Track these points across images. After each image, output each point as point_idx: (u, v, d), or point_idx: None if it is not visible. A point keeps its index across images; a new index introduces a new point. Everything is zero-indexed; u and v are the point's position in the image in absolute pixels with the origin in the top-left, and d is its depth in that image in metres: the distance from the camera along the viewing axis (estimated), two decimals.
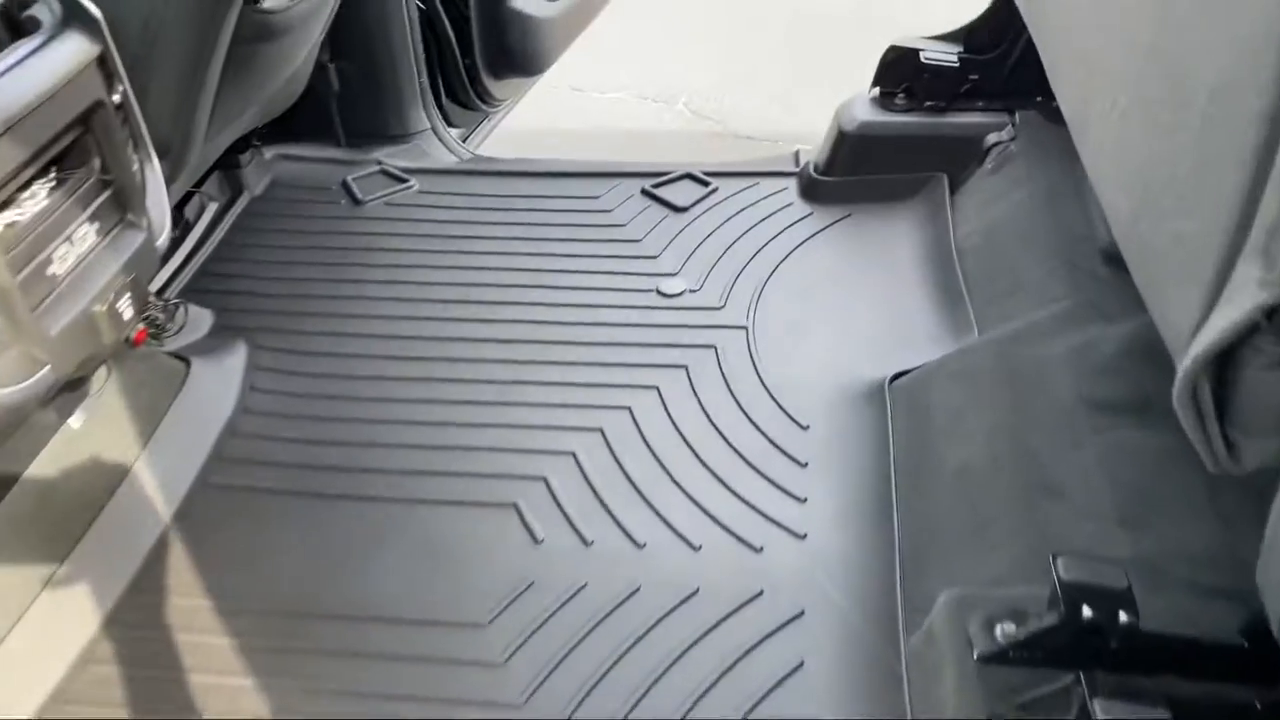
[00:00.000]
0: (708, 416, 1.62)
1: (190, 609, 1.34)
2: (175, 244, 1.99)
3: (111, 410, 1.54)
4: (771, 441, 1.57)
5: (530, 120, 3.28)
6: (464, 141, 2.56)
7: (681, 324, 1.81)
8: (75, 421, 1.48)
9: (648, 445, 1.58)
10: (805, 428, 1.59)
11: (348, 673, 1.27)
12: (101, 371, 1.56)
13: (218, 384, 1.68)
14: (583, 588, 1.37)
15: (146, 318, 1.66)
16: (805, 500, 1.47)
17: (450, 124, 2.52)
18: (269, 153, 2.30)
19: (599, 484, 1.52)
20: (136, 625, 1.32)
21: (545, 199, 2.17)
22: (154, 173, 1.35)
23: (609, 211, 2.11)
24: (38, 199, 1.12)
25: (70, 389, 1.47)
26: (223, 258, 2.03)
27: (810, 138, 3.51)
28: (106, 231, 1.23)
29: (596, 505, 1.49)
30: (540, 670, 1.26)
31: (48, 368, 1.12)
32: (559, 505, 1.49)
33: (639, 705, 1.23)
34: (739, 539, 1.42)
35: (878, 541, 1.39)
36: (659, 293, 1.89)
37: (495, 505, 1.49)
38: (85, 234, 1.19)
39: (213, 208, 2.13)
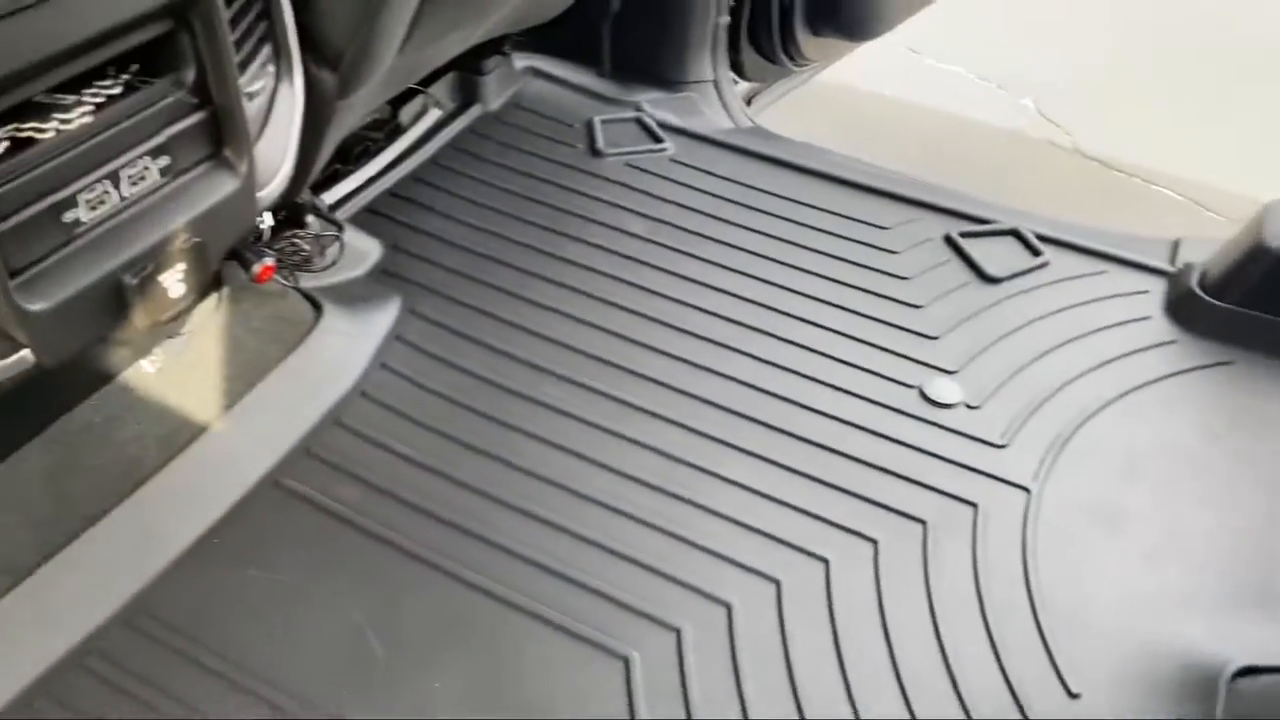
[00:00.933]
0: (932, 616, 1.12)
1: (172, 659, 1.03)
2: (373, 153, 1.68)
3: (199, 358, 1.24)
4: (1016, 698, 1.05)
5: (846, 68, 2.72)
6: (749, 102, 2.08)
7: (939, 453, 1.29)
8: (149, 364, 1.19)
9: (834, 629, 1.11)
10: (1075, 696, 1.06)
11: None
12: (209, 301, 1.26)
13: (344, 348, 1.36)
14: None
15: (290, 248, 1.35)
16: None
17: (741, 75, 2.05)
18: (519, 62, 1.93)
19: (748, 668, 1.07)
20: (122, 647, 1.03)
21: (818, 212, 1.67)
22: (290, 95, 0.99)
23: (894, 254, 1.59)
24: (76, 112, 0.78)
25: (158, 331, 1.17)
26: (422, 180, 1.69)
27: (1181, 186, 2.74)
28: (180, 171, 0.89)
29: (733, 699, 1.05)
30: None
31: (25, 351, 0.80)
32: (683, 681, 1.06)
33: None
34: None
35: None
36: (922, 394, 1.37)
37: (602, 650, 1.08)
38: (143, 171, 0.85)
39: (434, 115, 1.79)
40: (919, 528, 1.21)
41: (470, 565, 1.15)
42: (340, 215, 1.54)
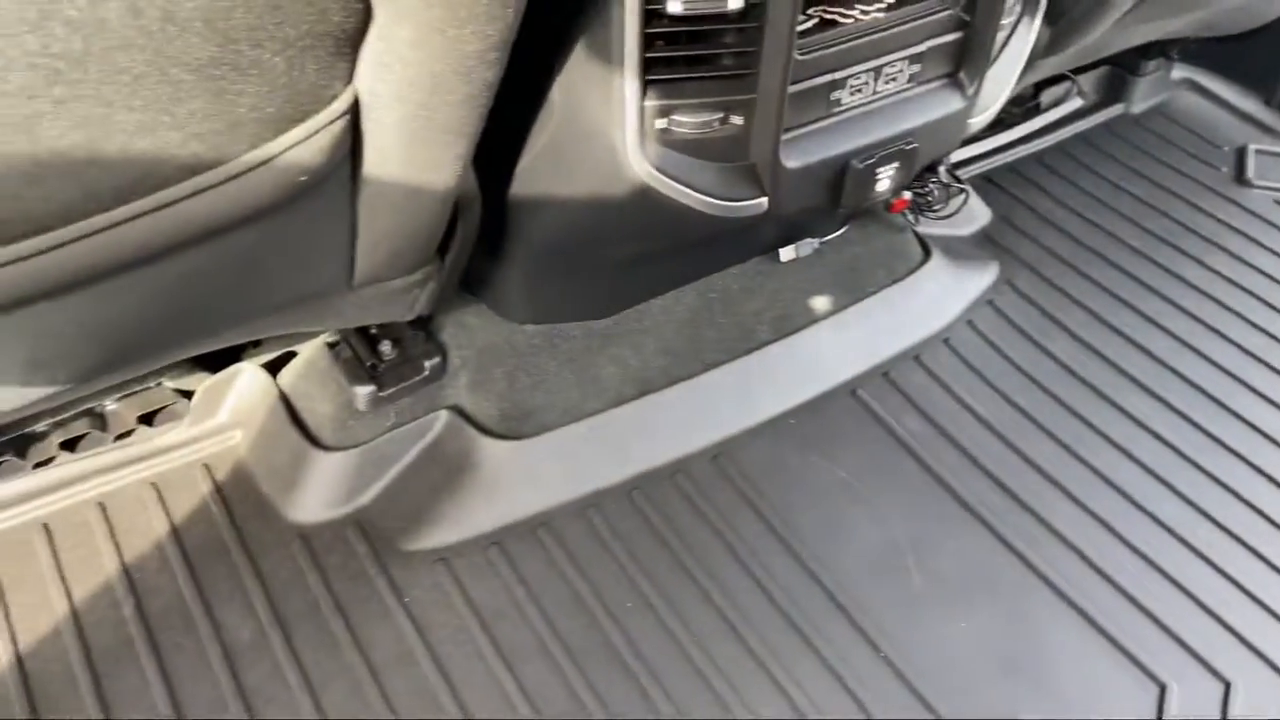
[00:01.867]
0: None
1: (741, 502, 1.15)
2: (1006, 125, 1.69)
3: (823, 262, 1.35)
4: None
5: None
6: None
7: None
8: (785, 254, 1.33)
9: None
10: None
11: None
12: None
13: (941, 294, 1.40)
14: None
15: (923, 189, 1.41)
16: None
17: None
18: (1178, 72, 1.81)
19: None
20: (705, 475, 1.18)
21: None
22: (1022, 38, 1.03)
23: None
24: (874, 6, 0.88)
25: (804, 228, 1.31)
26: (1045, 163, 1.68)
27: None
28: (923, 80, 0.97)
29: None
30: None
31: (764, 199, 0.93)
32: None
33: None
34: None
35: None
36: None
37: (1136, 665, 1.03)
38: (897, 72, 0.93)
39: (1074, 104, 1.76)
40: None
41: (1017, 532, 1.14)
42: (961, 174, 1.58)
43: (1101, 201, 1.60)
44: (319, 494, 1.13)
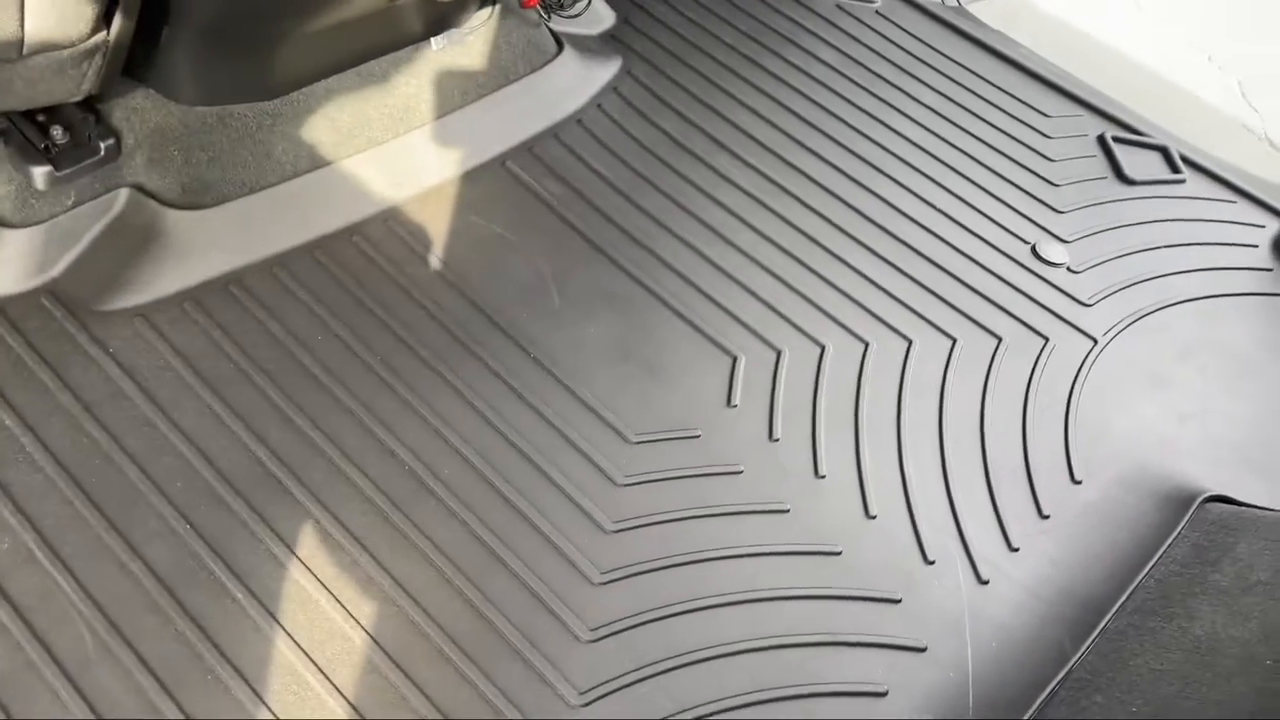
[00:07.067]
0: (981, 406, 1.38)
1: (412, 254, 1.37)
2: None
3: (470, 51, 1.55)
4: (1029, 472, 1.32)
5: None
6: None
7: (1031, 294, 1.53)
8: (436, 43, 1.50)
9: (900, 389, 1.38)
10: (1077, 482, 1.31)
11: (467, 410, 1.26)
12: (484, 12, 1.56)
13: (574, 82, 1.65)
14: (738, 473, 1.26)
15: None
16: (1018, 550, 1.24)
17: None
18: None
19: (827, 392, 1.36)
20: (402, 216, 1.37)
21: (993, 88, 1.87)
22: None
23: (1047, 138, 1.79)
24: None
25: (447, 18, 1.49)
26: None
27: None
28: None
29: (806, 410, 1.34)
30: (638, 531, 1.18)
31: None
32: (774, 383, 1.35)
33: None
34: (921, 545, 1.23)
35: (1053, 648, 1.15)
36: (1034, 251, 1.60)
37: (717, 346, 1.38)
38: None
39: None
40: (994, 341, 1.46)
41: (633, 261, 1.45)
42: None
43: (704, 6, 1.91)
44: (7, 269, 1.20)
